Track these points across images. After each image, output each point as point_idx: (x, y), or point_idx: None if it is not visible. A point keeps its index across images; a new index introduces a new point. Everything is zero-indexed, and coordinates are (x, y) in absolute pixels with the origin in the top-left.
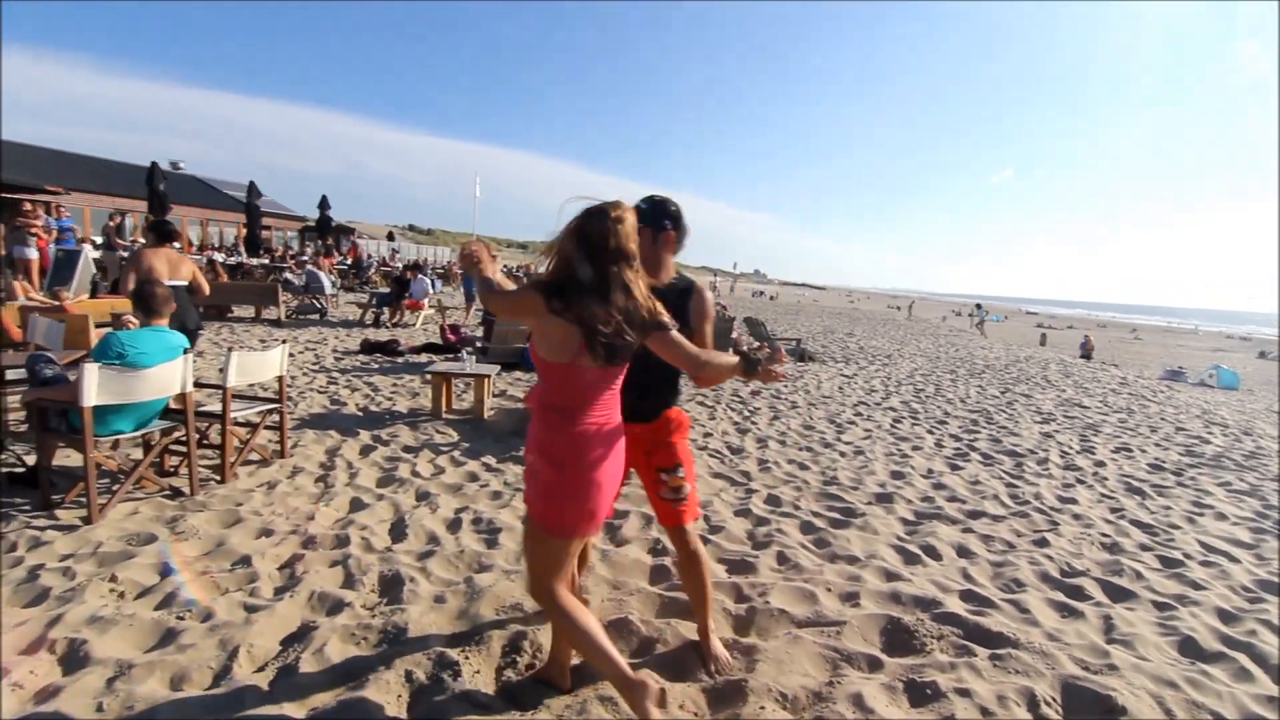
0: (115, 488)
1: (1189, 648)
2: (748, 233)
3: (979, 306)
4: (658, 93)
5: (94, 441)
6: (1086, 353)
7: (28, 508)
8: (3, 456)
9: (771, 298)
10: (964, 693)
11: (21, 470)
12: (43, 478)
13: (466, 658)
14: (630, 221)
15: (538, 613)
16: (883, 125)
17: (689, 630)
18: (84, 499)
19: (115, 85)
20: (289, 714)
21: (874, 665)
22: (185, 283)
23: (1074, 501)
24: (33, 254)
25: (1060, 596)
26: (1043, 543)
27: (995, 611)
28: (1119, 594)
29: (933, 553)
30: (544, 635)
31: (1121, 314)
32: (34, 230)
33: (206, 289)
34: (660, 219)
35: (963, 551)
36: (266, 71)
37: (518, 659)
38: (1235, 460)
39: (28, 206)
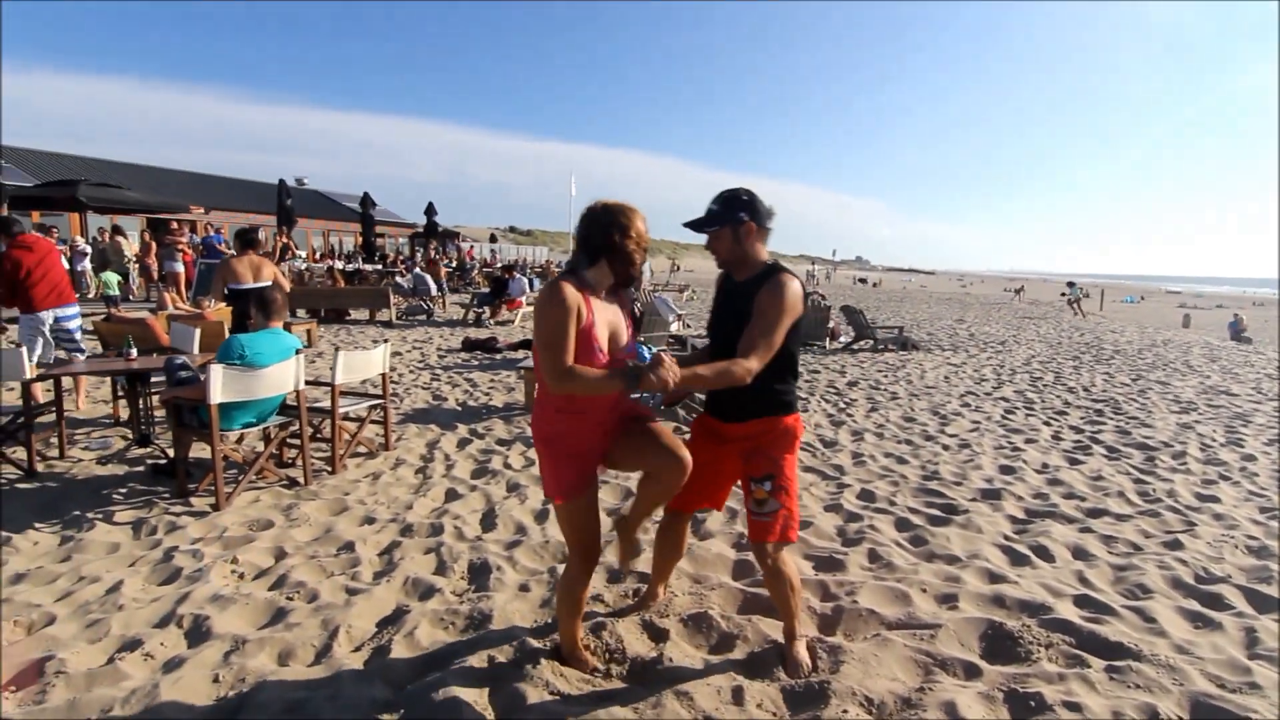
0: (240, 478)
1: None
2: (852, 219)
3: (1071, 284)
4: (756, 83)
5: (220, 435)
6: (1238, 333)
7: (168, 495)
8: (149, 449)
9: (875, 284)
10: (1073, 706)
11: (164, 462)
12: (180, 468)
13: (548, 646)
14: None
15: (620, 610)
16: (999, 100)
17: (770, 627)
18: (214, 488)
19: (244, 111)
20: (378, 693)
21: (971, 672)
22: (269, 284)
23: (1215, 500)
24: (179, 268)
25: (1194, 605)
26: (1175, 545)
27: (1115, 619)
28: (1266, 604)
29: (1044, 554)
30: (623, 626)
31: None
32: (180, 246)
33: (287, 286)
34: (736, 213)
35: (1079, 553)
36: (376, 88)
37: (597, 650)
38: None
39: (174, 225)
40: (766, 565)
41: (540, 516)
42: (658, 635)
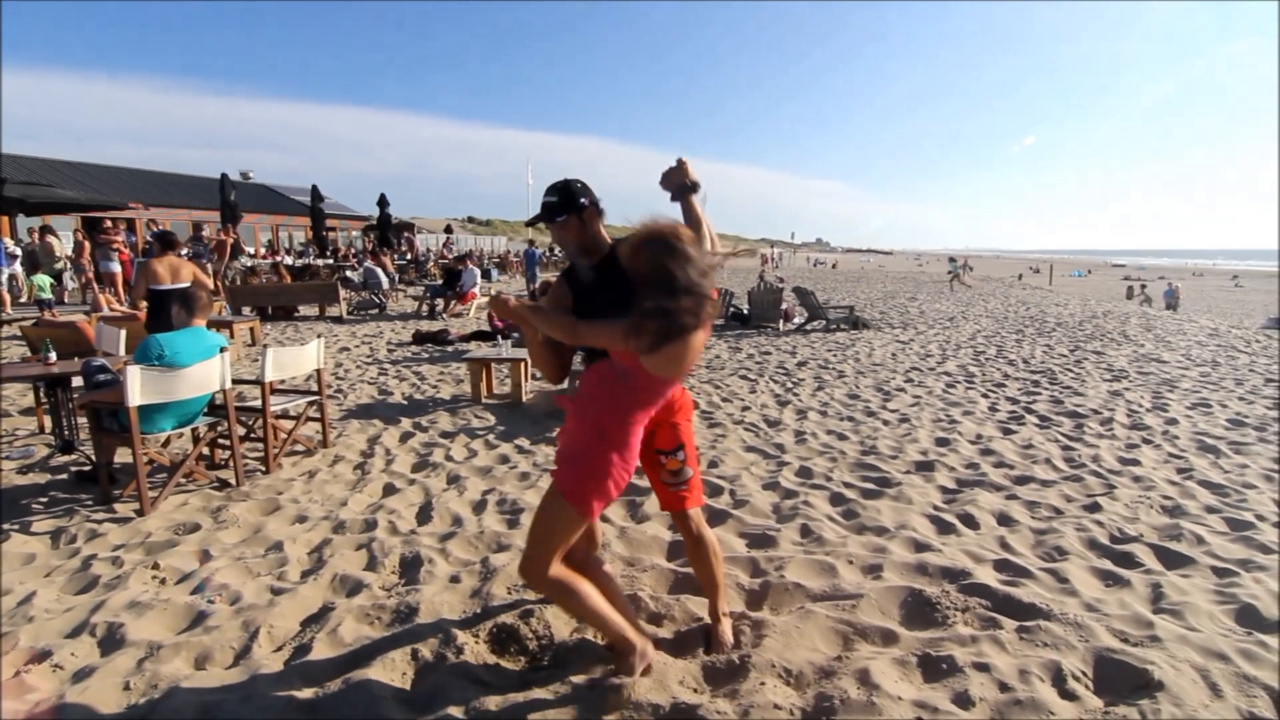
0: (169, 481)
1: (1248, 617)
2: (812, 201)
3: (952, 260)
4: (714, 67)
5: (142, 439)
6: (1173, 303)
7: (91, 502)
8: (73, 456)
9: (833, 266)
10: (982, 667)
11: (89, 468)
12: (102, 474)
13: (475, 636)
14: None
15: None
16: (954, 79)
17: (698, 606)
18: (138, 493)
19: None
20: (296, 693)
21: (889, 639)
22: (187, 284)
23: (1136, 463)
24: (116, 268)
25: (1107, 564)
26: (1095, 508)
27: (1030, 581)
28: (1174, 560)
29: (970, 521)
30: (550, 612)
31: (1224, 260)
32: (115, 245)
33: (210, 284)
34: (578, 200)
35: (1003, 519)
36: (328, 77)
37: (525, 636)
38: None
39: (108, 224)
40: (692, 533)
41: (478, 508)
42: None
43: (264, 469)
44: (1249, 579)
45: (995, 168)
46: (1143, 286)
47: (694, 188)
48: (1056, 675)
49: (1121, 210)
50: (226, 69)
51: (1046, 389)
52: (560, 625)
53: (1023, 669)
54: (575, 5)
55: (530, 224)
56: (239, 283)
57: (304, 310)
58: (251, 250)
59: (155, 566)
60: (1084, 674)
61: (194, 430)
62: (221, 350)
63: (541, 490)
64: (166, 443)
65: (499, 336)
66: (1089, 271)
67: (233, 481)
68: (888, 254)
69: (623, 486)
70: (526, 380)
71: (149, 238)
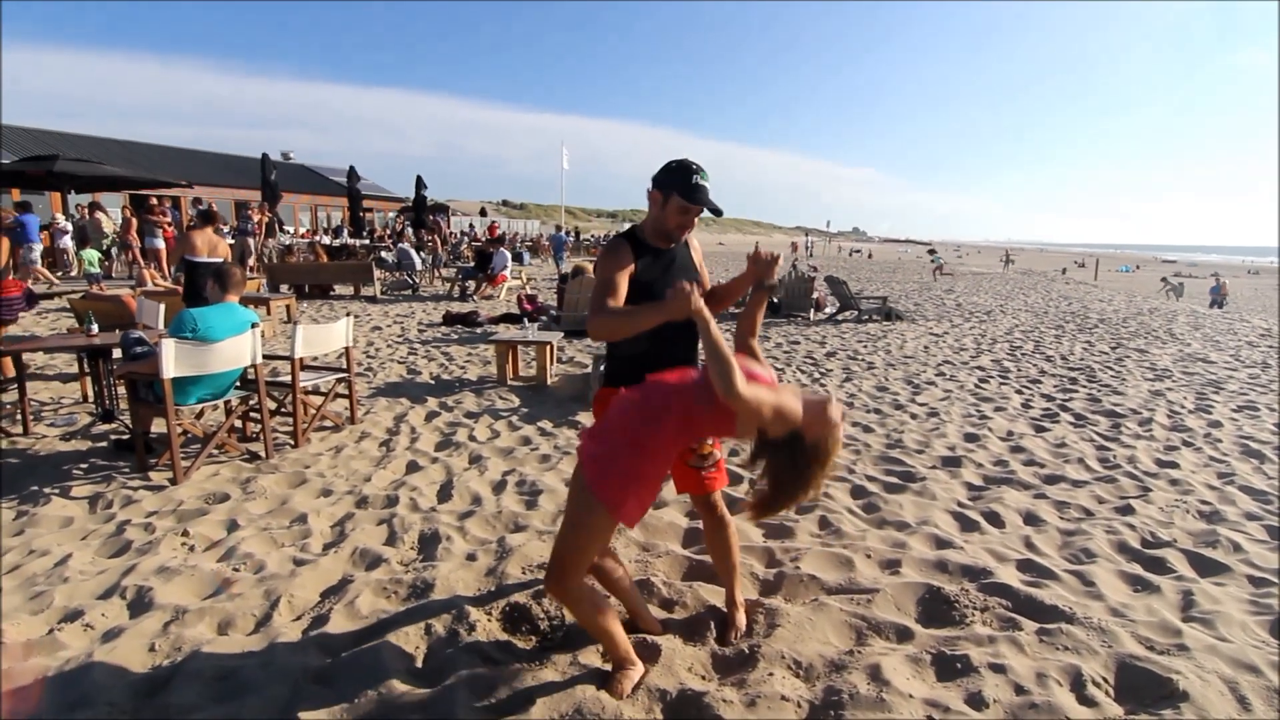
0: (201, 451)
1: None
2: (848, 190)
3: (931, 252)
4: (752, 51)
5: (175, 410)
6: (1219, 299)
7: (127, 470)
8: (113, 425)
9: (868, 256)
10: (998, 668)
11: (127, 437)
12: (138, 443)
13: (488, 614)
14: None
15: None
16: (999, 66)
17: (710, 593)
18: (171, 462)
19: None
20: (311, 660)
21: (903, 636)
22: (222, 259)
23: (1175, 465)
24: (160, 244)
25: (1136, 569)
26: (1127, 510)
27: (1054, 583)
28: (1208, 567)
29: (995, 520)
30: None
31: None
32: (162, 223)
33: (251, 262)
34: (658, 176)
35: (1030, 519)
36: (366, 61)
37: (536, 617)
38: None
39: (154, 202)
40: (715, 515)
41: (497, 488)
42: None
43: (293, 443)
44: None
45: (1041, 157)
46: (1175, 277)
47: (772, 289)
48: (1076, 680)
49: (1175, 204)
50: (266, 49)
51: (1084, 386)
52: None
53: (1040, 672)
54: None
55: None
56: (274, 260)
57: (339, 289)
58: (291, 229)
59: (185, 534)
60: (1105, 680)
61: (226, 403)
62: (253, 326)
63: (561, 473)
64: (200, 414)
65: (526, 319)
66: (1137, 267)
67: (262, 454)
68: (926, 245)
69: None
70: (552, 363)
71: (193, 215)
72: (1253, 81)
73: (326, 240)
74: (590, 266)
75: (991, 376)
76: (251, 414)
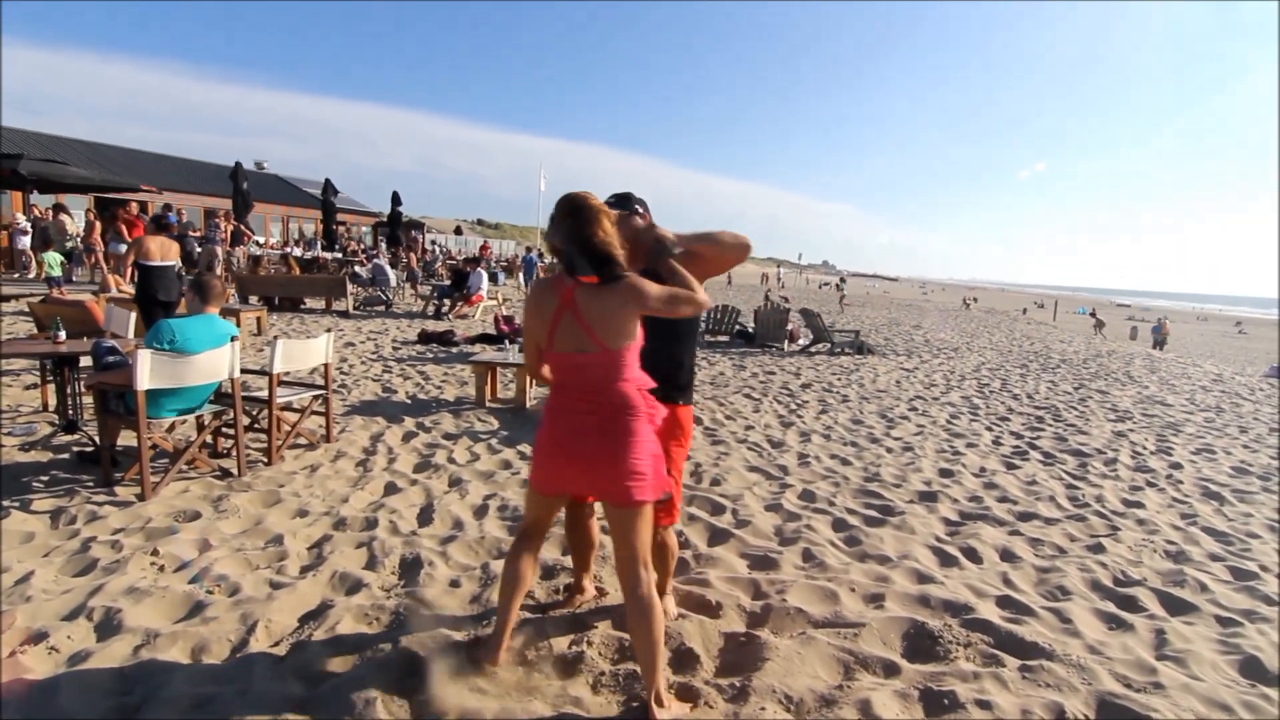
0: (170, 467)
1: (1252, 669)
2: (820, 223)
3: (843, 280)
4: (730, 84)
5: (148, 423)
6: (1160, 339)
7: (92, 484)
8: (76, 436)
9: (836, 287)
10: (984, 704)
11: (91, 449)
12: (104, 456)
13: (473, 641)
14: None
15: (548, 603)
16: (968, 107)
17: (694, 626)
18: (140, 477)
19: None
20: (292, 689)
21: (890, 670)
22: (175, 264)
23: (1140, 505)
24: (124, 249)
25: (1110, 607)
26: (1098, 549)
27: (1033, 620)
28: (1178, 606)
29: (973, 555)
30: (550, 624)
31: (1228, 306)
32: (120, 227)
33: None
34: (631, 204)
35: (1006, 555)
36: (346, 73)
37: (522, 646)
38: None
39: (133, 209)
40: (660, 540)
41: (479, 512)
42: (582, 631)
43: (266, 460)
44: (1253, 630)
45: (1004, 198)
46: (1094, 314)
47: (663, 249)
48: (1059, 716)
49: (1128, 249)
50: (241, 58)
51: (1051, 425)
52: (559, 638)
53: (1025, 709)
54: (590, 10)
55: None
56: (242, 270)
57: (310, 303)
58: (261, 240)
59: (154, 553)
60: (1086, 717)
61: (198, 418)
62: (232, 339)
63: None
64: (171, 428)
65: (505, 340)
66: (1093, 310)
67: (234, 471)
68: (893, 280)
69: None
70: (531, 386)
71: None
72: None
73: (298, 252)
74: None
75: (962, 413)
76: (224, 429)
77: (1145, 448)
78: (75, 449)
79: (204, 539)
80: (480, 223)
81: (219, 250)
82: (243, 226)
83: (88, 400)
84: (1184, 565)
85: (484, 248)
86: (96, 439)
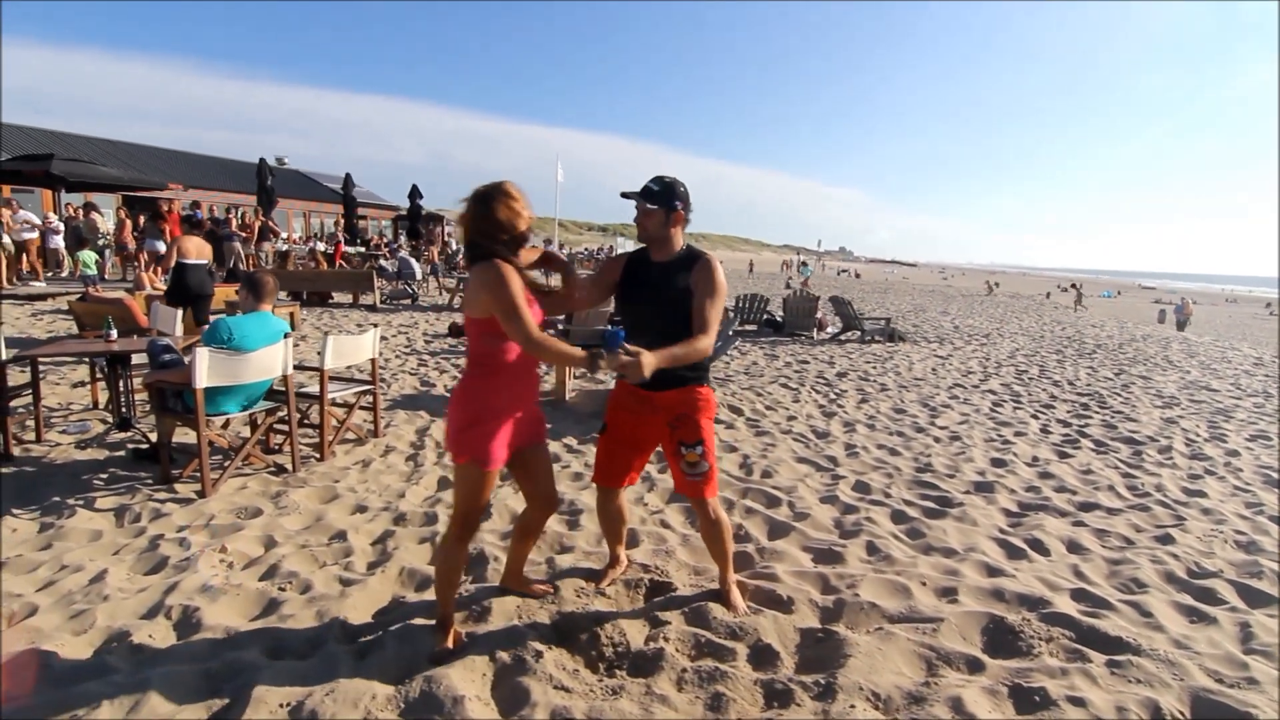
0: (226, 464)
1: None
2: (834, 210)
3: (804, 264)
4: (743, 70)
5: (206, 420)
6: (1183, 319)
7: (150, 481)
8: (129, 434)
9: (856, 275)
10: (1077, 701)
11: (146, 447)
12: (163, 454)
13: (550, 641)
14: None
15: (616, 597)
16: (984, 92)
17: (769, 619)
18: (199, 474)
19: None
20: (377, 688)
21: (974, 667)
22: (207, 262)
23: (1203, 494)
24: (161, 247)
25: (1188, 599)
26: (1167, 539)
27: (1112, 614)
28: (1258, 599)
29: (1039, 547)
30: (625, 621)
31: (1258, 288)
32: (163, 226)
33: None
34: (672, 200)
35: (1074, 547)
36: (356, 67)
37: (601, 643)
38: None
39: (166, 209)
40: (709, 516)
41: None
42: (657, 627)
43: (318, 456)
44: None
45: (1024, 183)
46: (1074, 286)
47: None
48: (1155, 713)
49: (1154, 231)
50: (243, 53)
51: (1097, 413)
52: (634, 633)
53: (1120, 705)
54: (603, 5)
55: (627, 195)
56: (267, 265)
57: (337, 298)
58: (285, 235)
59: (223, 549)
60: (1182, 714)
61: (251, 415)
62: (285, 336)
63: (594, 491)
64: (226, 425)
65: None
66: (1118, 293)
67: (289, 467)
68: (912, 266)
69: None
70: (569, 378)
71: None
72: (1253, 105)
73: (322, 246)
74: None
75: (1005, 401)
76: (276, 426)
77: (1199, 434)
78: (130, 446)
79: (268, 535)
80: None
81: (238, 246)
82: (270, 222)
83: (140, 397)
84: (1257, 556)
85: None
86: (152, 436)
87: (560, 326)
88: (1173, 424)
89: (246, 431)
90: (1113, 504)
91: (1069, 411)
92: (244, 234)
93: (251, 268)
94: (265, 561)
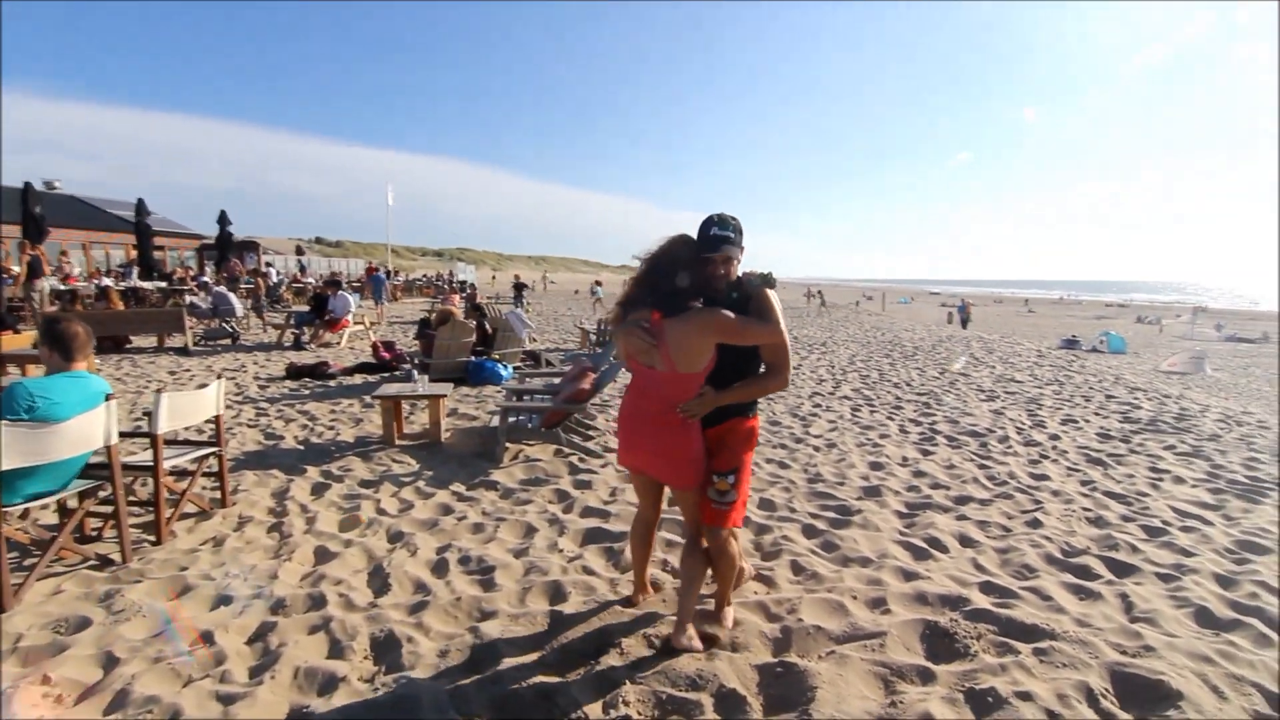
0: (31, 563)
1: (1206, 618)
2: (671, 230)
3: (597, 283)
4: (566, 93)
5: (3, 513)
6: (965, 318)
7: None
8: None
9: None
10: (1024, 695)
11: None
12: None
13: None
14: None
15: (559, 664)
16: (797, 112)
17: (730, 664)
18: None
19: None
20: None
21: (926, 677)
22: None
23: (1046, 478)
24: None
25: (1070, 578)
26: (1035, 524)
27: (1020, 602)
28: (1123, 569)
29: (938, 545)
30: (579, 690)
31: (1019, 289)
32: None
33: None
34: (741, 241)
35: (965, 541)
36: (150, 81)
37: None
38: (1168, 423)
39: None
40: (719, 545)
41: (438, 569)
42: (612, 690)
43: (154, 539)
44: (1189, 582)
45: (829, 204)
46: (942, 306)
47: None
48: (1089, 696)
49: (936, 244)
50: (27, 65)
51: (938, 410)
52: (589, 702)
53: (1059, 693)
54: (427, 18)
55: (705, 252)
56: (43, 308)
57: (138, 341)
58: (64, 269)
59: (45, 681)
60: (1108, 691)
61: (60, 501)
62: (107, 398)
63: (504, 543)
64: (24, 515)
65: (394, 369)
66: (912, 299)
67: (117, 558)
68: None
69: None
70: (443, 417)
71: None
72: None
73: (110, 282)
74: (456, 311)
75: (861, 405)
76: (94, 509)
77: (1024, 423)
78: None
79: (105, 651)
80: (319, 240)
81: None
82: (42, 254)
83: None
84: (1108, 529)
85: (370, 268)
86: None
87: (419, 361)
88: (1000, 415)
89: (52, 518)
90: (981, 495)
91: (916, 410)
92: (7, 274)
93: (27, 311)
94: (108, 688)
